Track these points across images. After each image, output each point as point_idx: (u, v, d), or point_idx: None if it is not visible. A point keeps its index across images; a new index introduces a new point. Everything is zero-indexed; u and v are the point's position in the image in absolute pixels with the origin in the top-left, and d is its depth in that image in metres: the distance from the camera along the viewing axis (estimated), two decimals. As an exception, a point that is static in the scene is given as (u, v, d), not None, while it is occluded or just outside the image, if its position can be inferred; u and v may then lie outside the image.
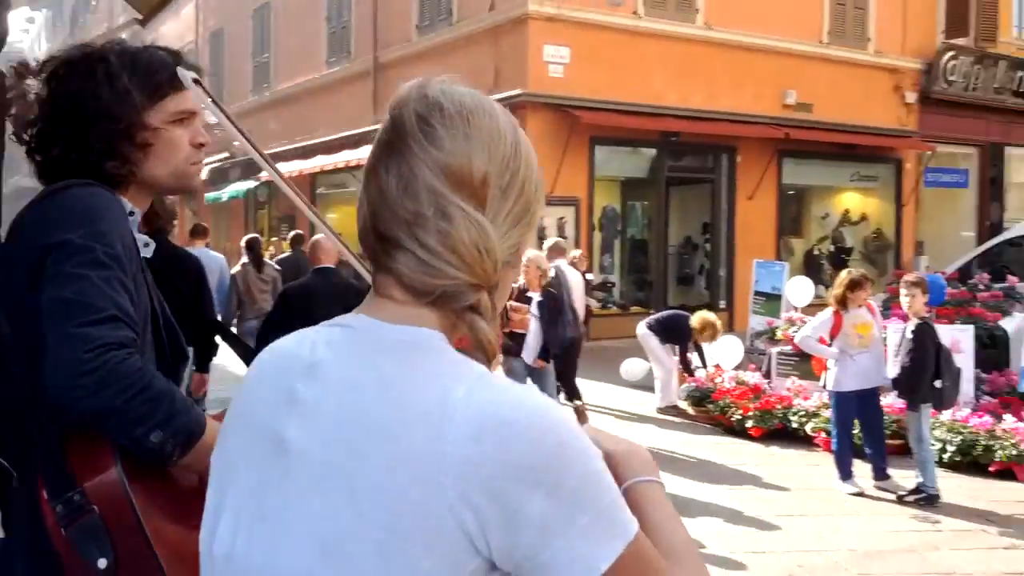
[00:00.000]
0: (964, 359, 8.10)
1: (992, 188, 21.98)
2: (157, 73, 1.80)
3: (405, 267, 1.01)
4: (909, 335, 6.85)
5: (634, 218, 18.49)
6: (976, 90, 20.93)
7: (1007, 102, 21.42)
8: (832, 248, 20.26)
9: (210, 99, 1.77)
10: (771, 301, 11.24)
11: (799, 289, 11.21)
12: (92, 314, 1.51)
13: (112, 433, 1.52)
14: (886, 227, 20.70)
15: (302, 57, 21.88)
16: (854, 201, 20.77)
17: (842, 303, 7.03)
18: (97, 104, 1.72)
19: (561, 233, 15.50)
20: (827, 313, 7.22)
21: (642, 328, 10.09)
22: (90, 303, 1.52)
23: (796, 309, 11.09)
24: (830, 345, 7.11)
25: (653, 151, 17.03)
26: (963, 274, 12.12)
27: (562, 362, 8.11)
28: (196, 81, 1.77)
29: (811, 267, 18.86)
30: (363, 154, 14.92)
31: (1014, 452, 7.28)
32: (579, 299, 9.30)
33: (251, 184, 21.75)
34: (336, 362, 1.01)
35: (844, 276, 7.20)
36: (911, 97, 20.19)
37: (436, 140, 1.01)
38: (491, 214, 1.02)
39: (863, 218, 20.71)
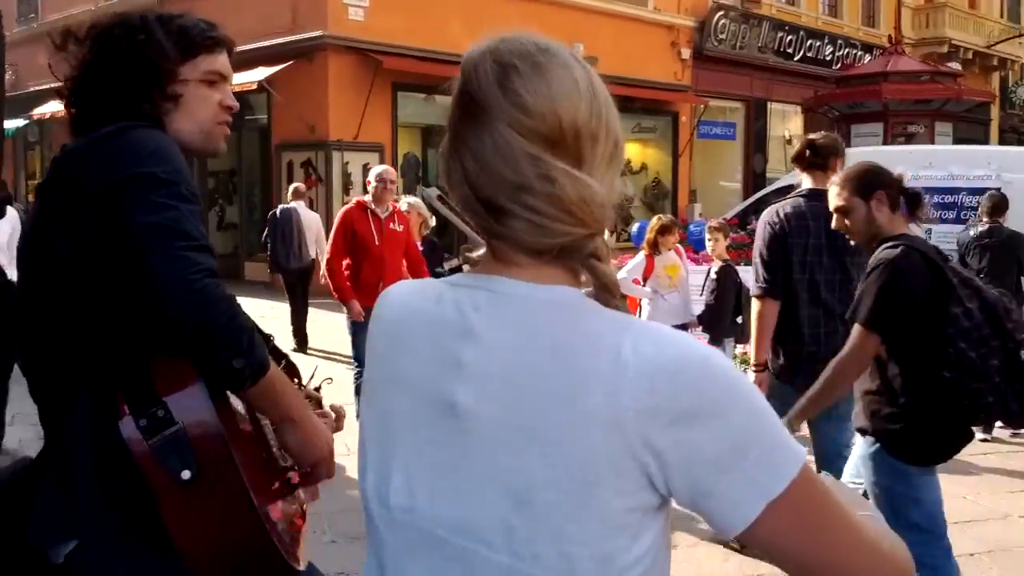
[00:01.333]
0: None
1: (756, 141, 23.86)
2: (190, 31, 1.89)
3: (522, 232, 1.04)
4: (713, 276, 7.59)
5: (436, 165, 18.73)
6: (743, 48, 22.57)
7: (770, 60, 23.22)
8: (616, 196, 21.34)
9: (448, 209, 1.72)
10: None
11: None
12: (190, 240, 1.59)
13: (204, 351, 1.58)
14: (664, 176, 22.07)
15: None
16: (635, 151, 21.94)
17: (653, 246, 7.65)
18: (132, 53, 1.81)
19: (367, 178, 15.60)
20: (640, 256, 7.83)
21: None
22: (186, 231, 1.59)
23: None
24: (643, 286, 7.73)
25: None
26: (740, 220, 13.32)
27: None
28: (440, 198, 1.76)
29: (598, 214, 19.82)
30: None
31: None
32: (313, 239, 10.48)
33: (20, 123, 20.19)
34: (493, 327, 1.06)
35: (655, 222, 7.81)
36: (686, 54, 21.51)
37: (522, 105, 1.03)
38: (588, 163, 1.05)
39: (643, 167, 21.95)
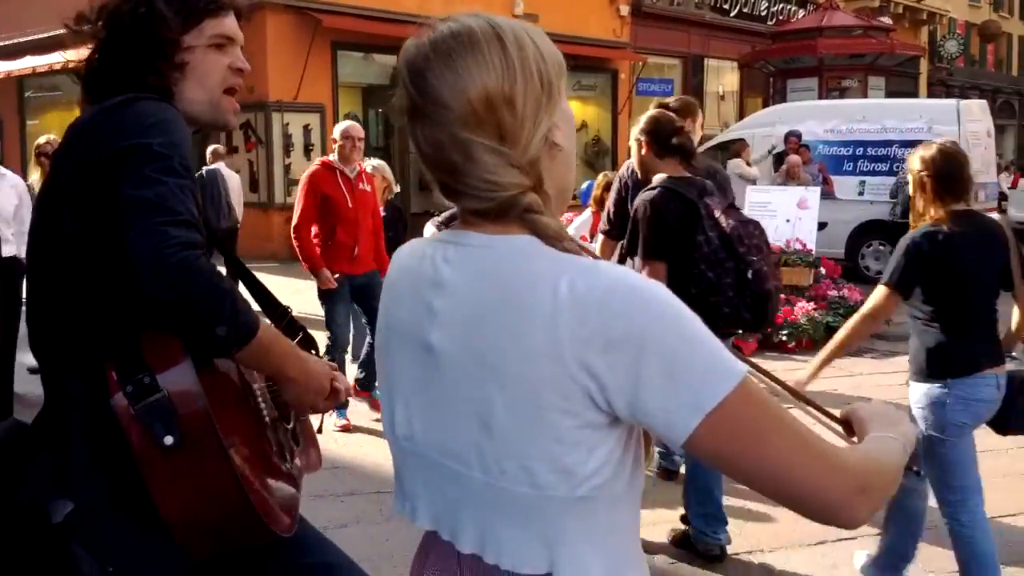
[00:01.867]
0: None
1: (694, 97, 24.06)
2: None
3: (465, 200, 1.21)
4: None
5: (376, 125, 18.63)
6: (680, 5, 22.71)
7: (706, 16, 23.41)
8: (557, 153, 21.46)
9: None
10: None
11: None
12: (171, 216, 1.61)
13: (185, 323, 1.62)
14: (604, 134, 22.22)
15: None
16: (576, 109, 21.80)
17: (600, 203, 7.80)
18: (136, 27, 1.84)
19: (308, 140, 15.48)
20: (586, 213, 7.97)
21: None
22: (170, 206, 1.62)
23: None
24: (591, 242, 7.88)
25: (393, 57, 17.05)
26: (681, 176, 13.59)
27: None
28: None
29: (539, 171, 19.94)
30: (81, 54, 13.92)
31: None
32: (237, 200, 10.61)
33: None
34: (460, 276, 1.22)
35: (601, 179, 7.96)
36: (624, 10, 21.55)
37: (437, 99, 1.17)
38: (509, 126, 1.17)
39: (584, 125, 22.04)
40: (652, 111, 4.21)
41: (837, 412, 1.42)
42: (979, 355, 3.42)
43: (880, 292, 3.49)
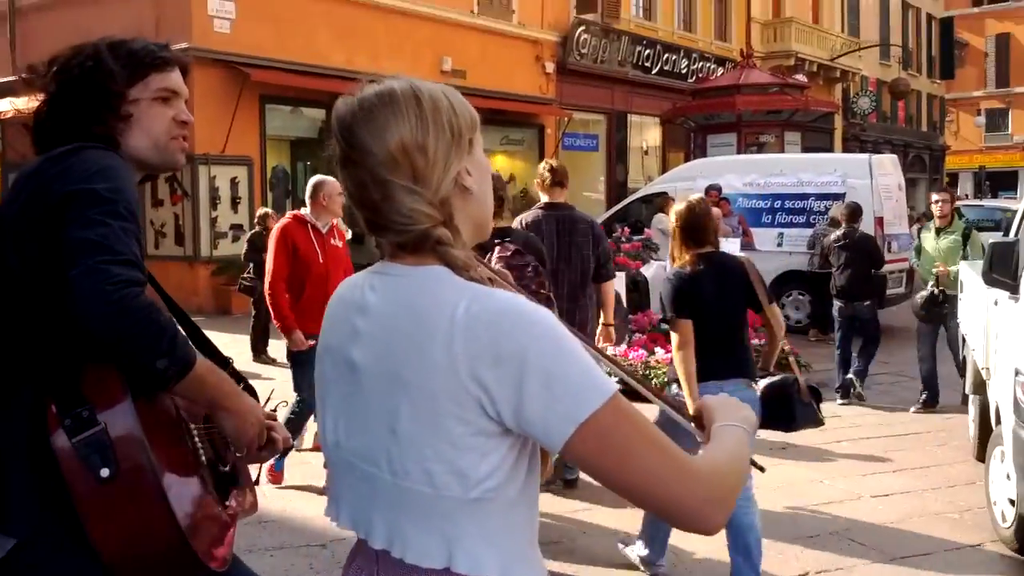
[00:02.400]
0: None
1: (618, 152, 24.60)
2: (138, 54, 1.98)
3: (388, 235, 1.38)
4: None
5: (304, 178, 18.60)
6: (604, 62, 23.28)
7: (629, 74, 24.02)
8: (485, 206, 21.66)
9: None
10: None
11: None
12: (113, 255, 1.67)
13: (125, 358, 1.67)
14: (532, 187, 22.48)
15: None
16: (504, 163, 22.27)
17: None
18: (84, 80, 1.91)
19: (235, 192, 15.40)
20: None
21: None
22: (112, 246, 1.68)
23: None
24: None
25: (322, 111, 17.18)
26: (606, 228, 13.80)
27: None
28: None
29: (468, 224, 20.10)
30: (4, 106, 13.77)
31: (665, 379, 8.66)
32: None
33: None
34: (381, 301, 1.39)
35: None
36: (550, 67, 22.03)
37: (362, 148, 1.36)
38: (421, 169, 1.35)
39: (512, 178, 22.29)
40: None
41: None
42: (714, 367, 4.13)
43: (675, 325, 4.20)
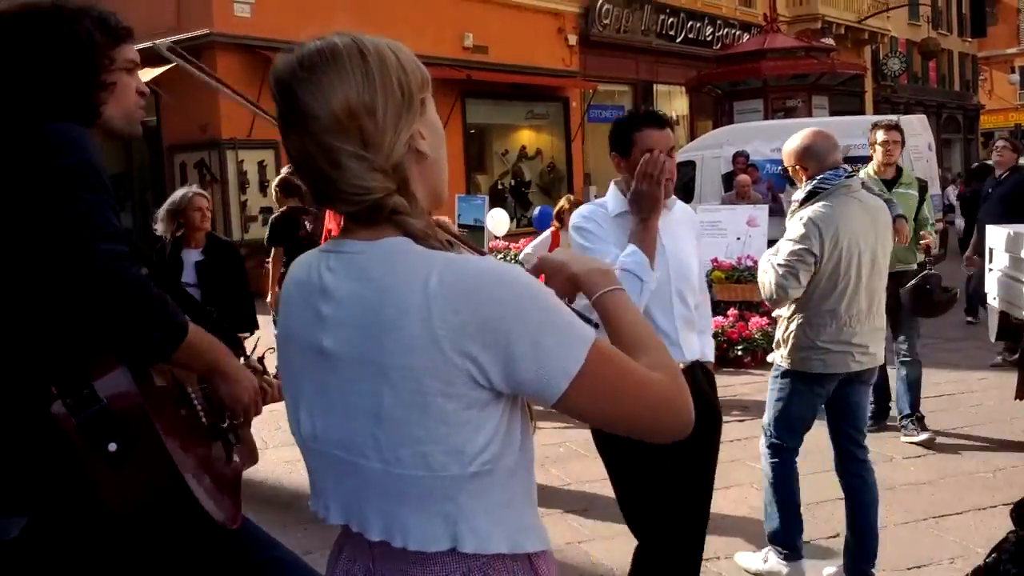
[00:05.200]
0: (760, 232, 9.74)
1: (645, 122, 24.37)
2: (109, 21, 1.95)
3: (339, 205, 1.31)
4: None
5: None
6: (627, 32, 23.08)
7: (653, 43, 23.80)
8: (513, 182, 21.64)
9: (190, 64, 1.89)
10: (475, 233, 12.01)
11: (498, 220, 12.16)
12: (95, 230, 1.65)
13: (120, 331, 1.68)
14: (558, 160, 22.44)
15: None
16: (529, 137, 22.25)
17: (560, 219, 7.91)
18: (66, 45, 1.84)
19: (263, 176, 15.48)
20: (545, 234, 8.09)
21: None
22: (92, 221, 1.66)
23: (497, 238, 12.08)
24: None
25: (345, 93, 17.25)
26: (634, 199, 13.75)
27: None
28: (171, 49, 1.99)
29: (496, 200, 20.10)
30: None
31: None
32: None
33: None
34: (342, 283, 1.30)
35: (564, 201, 8.10)
36: (573, 39, 21.88)
37: (301, 113, 1.26)
38: (370, 134, 1.26)
39: (538, 153, 22.28)
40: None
41: None
42: None
43: None
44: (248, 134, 15.20)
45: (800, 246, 3.69)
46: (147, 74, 14.43)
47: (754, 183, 12.02)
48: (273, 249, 7.21)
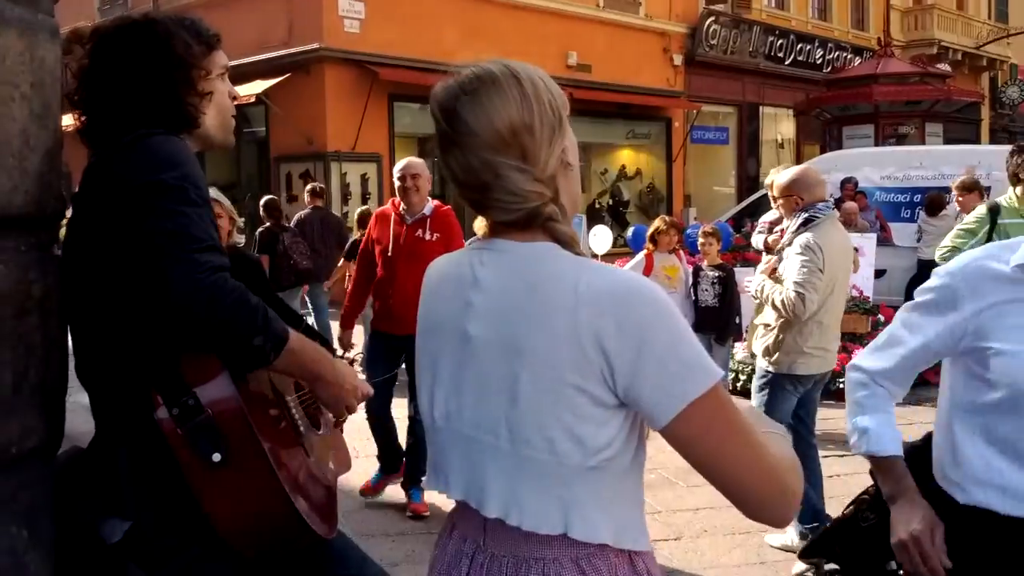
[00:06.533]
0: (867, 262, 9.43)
1: (749, 145, 24.07)
2: (200, 28, 1.97)
3: (497, 214, 1.44)
4: (714, 279, 7.78)
5: (433, 175, 18.86)
6: (734, 53, 22.79)
7: (760, 65, 23.45)
8: (611, 201, 21.56)
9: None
10: (572, 250, 12.08)
11: (600, 238, 12.12)
12: (196, 244, 1.68)
13: (224, 339, 1.69)
14: (658, 181, 22.25)
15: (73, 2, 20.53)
16: (629, 157, 22.14)
17: (654, 241, 7.83)
18: (158, 54, 1.87)
19: (365, 189, 15.74)
20: (639, 256, 8.02)
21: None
22: (193, 234, 1.69)
23: (597, 257, 11.99)
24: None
25: (449, 108, 17.44)
26: (736, 223, 13.51)
27: None
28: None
29: (594, 219, 20.02)
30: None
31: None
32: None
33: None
34: (493, 276, 1.44)
35: (659, 222, 8.03)
36: (678, 60, 21.71)
37: (467, 130, 1.40)
38: (530, 149, 1.40)
39: (638, 173, 22.15)
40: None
41: None
42: None
43: None
44: (353, 147, 15.49)
45: (812, 264, 4.31)
46: (258, 86, 14.86)
47: (862, 210, 11.69)
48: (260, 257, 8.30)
